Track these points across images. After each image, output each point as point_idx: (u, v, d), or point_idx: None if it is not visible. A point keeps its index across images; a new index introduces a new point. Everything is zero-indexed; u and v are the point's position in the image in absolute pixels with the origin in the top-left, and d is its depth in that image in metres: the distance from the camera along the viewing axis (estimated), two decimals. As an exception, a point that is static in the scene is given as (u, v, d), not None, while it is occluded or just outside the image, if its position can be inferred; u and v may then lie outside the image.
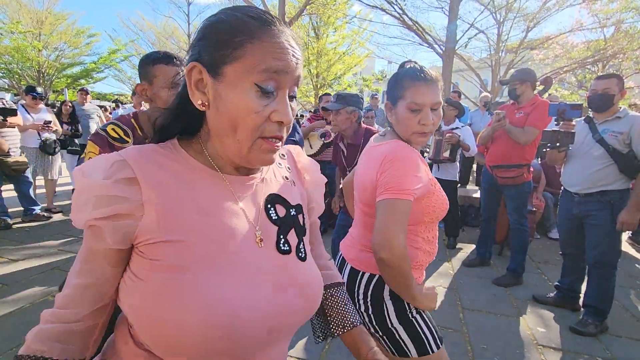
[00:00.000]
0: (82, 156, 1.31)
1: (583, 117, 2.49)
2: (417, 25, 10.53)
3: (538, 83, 3.54)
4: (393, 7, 10.23)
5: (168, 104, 1.26)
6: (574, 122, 2.34)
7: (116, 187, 0.52)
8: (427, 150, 4.01)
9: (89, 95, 5.72)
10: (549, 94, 5.50)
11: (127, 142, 1.31)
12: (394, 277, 1.02)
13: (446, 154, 3.70)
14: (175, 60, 1.32)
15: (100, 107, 7.56)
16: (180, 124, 0.62)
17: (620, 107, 2.33)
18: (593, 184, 2.33)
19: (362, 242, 1.20)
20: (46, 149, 4.44)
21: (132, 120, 1.35)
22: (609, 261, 2.38)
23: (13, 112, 3.94)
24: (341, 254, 1.28)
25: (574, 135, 2.29)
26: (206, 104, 0.55)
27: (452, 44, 9.95)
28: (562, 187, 2.62)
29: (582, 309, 2.52)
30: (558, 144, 2.34)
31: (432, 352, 1.10)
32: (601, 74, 2.43)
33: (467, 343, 2.23)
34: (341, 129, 2.47)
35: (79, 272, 0.56)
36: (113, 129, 1.31)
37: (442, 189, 1.17)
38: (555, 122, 2.43)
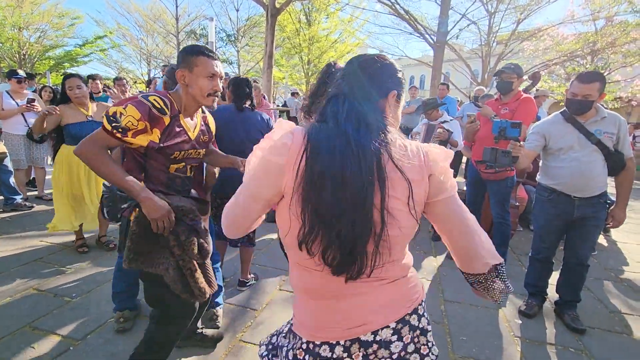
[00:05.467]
0: (112, 113, 1.33)
1: (560, 111, 2.42)
2: (409, 14, 10.43)
3: (526, 78, 3.57)
4: (385, -5, 10.10)
5: (204, 90, 1.47)
6: (521, 143, 2.29)
7: None
8: (417, 139, 4.00)
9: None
10: (537, 89, 5.54)
11: (166, 113, 1.40)
12: None
13: None
14: (214, 54, 1.49)
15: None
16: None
17: (597, 105, 2.29)
18: (598, 189, 2.30)
19: None
20: (33, 136, 4.32)
21: (169, 95, 1.47)
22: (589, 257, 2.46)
23: None
24: None
25: (510, 156, 2.27)
26: None
27: (444, 35, 9.91)
28: (550, 189, 2.43)
29: (560, 305, 2.57)
30: (496, 162, 2.32)
31: None
32: (584, 72, 2.29)
33: (447, 335, 2.30)
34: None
35: None
36: (155, 100, 1.38)
37: None
38: (495, 141, 2.40)
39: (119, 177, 1.35)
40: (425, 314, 0.93)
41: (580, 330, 2.36)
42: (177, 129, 1.48)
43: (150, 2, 21.59)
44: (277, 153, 0.79)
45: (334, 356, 0.83)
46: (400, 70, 0.91)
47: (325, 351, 0.84)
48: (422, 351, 0.89)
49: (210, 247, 1.54)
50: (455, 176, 6.47)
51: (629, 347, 2.27)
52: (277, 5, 9.19)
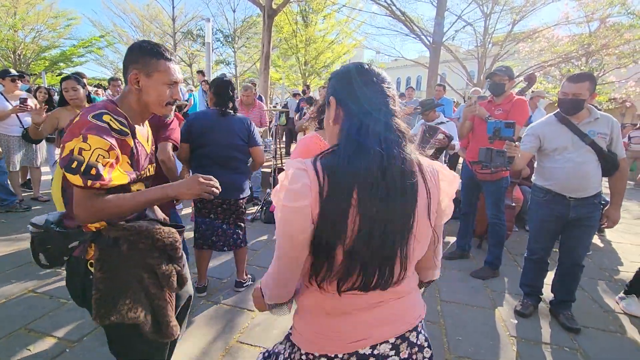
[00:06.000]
0: (68, 154, 1.05)
1: (553, 113, 2.45)
2: (405, 16, 10.47)
3: (521, 79, 3.61)
4: (382, -3, 10.14)
5: (162, 99, 1.24)
6: (516, 144, 2.32)
7: None
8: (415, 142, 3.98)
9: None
10: (532, 91, 5.58)
11: (127, 133, 1.16)
12: None
13: (430, 152, 3.67)
14: (175, 57, 1.27)
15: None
16: None
17: (590, 106, 2.32)
18: (593, 189, 2.32)
19: None
20: (29, 136, 4.29)
21: (119, 109, 1.19)
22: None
23: None
24: None
25: (505, 156, 2.29)
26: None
27: (440, 36, 9.95)
28: (546, 190, 2.44)
29: (555, 305, 2.59)
30: (492, 162, 2.35)
31: None
32: (573, 73, 2.34)
33: (443, 335, 2.31)
34: None
35: None
36: (112, 120, 1.12)
37: None
38: (490, 141, 2.43)
39: (140, 199, 1.15)
40: (423, 330, 0.94)
41: (575, 330, 2.39)
42: (139, 147, 1.25)
43: (147, 3, 21.53)
44: (302, 197, 0.73)
45: None
46: None
47: None
48: None
49: (188, 274, 1.34)
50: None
51: (622, 346, 2.30)
52: (274, 6, 9.20)
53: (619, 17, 11.11)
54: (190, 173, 2.48)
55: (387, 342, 0.85)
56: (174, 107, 1.33)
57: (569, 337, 2.35)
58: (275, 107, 11.85)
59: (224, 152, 2.43)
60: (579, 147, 2.29)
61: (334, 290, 0.81)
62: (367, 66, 0.86)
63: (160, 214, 1.51)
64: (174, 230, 1.27)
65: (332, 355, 0.84)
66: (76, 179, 1.04)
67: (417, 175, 0.79)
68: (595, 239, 4.38)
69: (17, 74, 4.40)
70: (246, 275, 2.83)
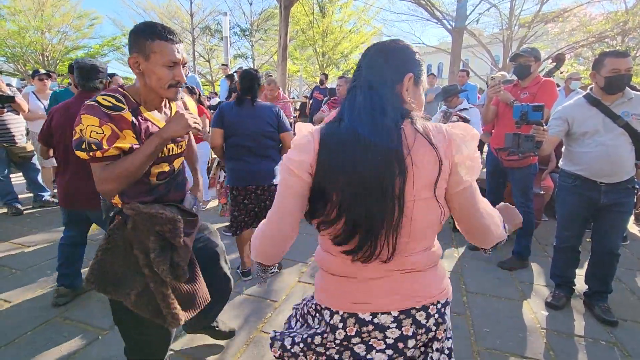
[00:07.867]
0: (77, 136, 1.16)
1: (582, 95, 2.33)
2: None
3: (550, 60, 3.43)
4: (400, -19, 9.87)
5: (163, 81, 1.21)
6: (545, 127, 2.19)
7: None
8: None
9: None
10: (561, 72, 5.29)
11: (123, 108, 1.20)
12: None
13: None
14: (174, 37, 1.22)
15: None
16: None
17: None
18: (625, 174, 2.21)
19: None
20: None
21: (120, 89, 1.26)
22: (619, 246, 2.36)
23: (10, 100, 3.82)
24: None
25: (533, 141, 2.16)
26: None
27: (462, 20, 9.60)
28: (575, 176, 2.34)
29: (589, 296, 2.47)
30: (519, 148, 2.22)
31: None
32: (612, 50, 2.23)
33: (470, 327, 2.25)
34: None
35: None
36: (104, 98, 1.19)
37: None
38: (517, 126, 2.30)
39: (140, 153, 1.18)
40: (438, 316, 0.90)
41: (612, 322, 2.27)
42: (145, 124, 1.26)
43: (166, 0, 21.88)
44: (305, 151, 0.84)
45: (331, 322, 0.90)
46: (416, 52, 0.90)
47: (325, 315, 0.92)
48: (428, 349, 0.90)
49: (186, 267, 1.33)
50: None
51: (664, 340, 2.17)
52: (290, -3, 9.11)
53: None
54: (219, 167, 2.54)
55: (389, 313, 0.86)
56: (179, 90, 1.29)
57: (605, 330, 2.24)
58: (293, 99, 11.83)
59: (254, 139, 2.48)
60: (611, 129, 2.16)
61: (342, 255, 0.86)
62: (378, 44, 0.91)
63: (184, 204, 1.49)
64: (178, 217, 1.28)
65: (334, 310, 0.90)
66: (81, 154, 1.17)
67: (404, 148, 0.77)
68: (634, 229, 4.15)
69: (44, 72, 4.59)
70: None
